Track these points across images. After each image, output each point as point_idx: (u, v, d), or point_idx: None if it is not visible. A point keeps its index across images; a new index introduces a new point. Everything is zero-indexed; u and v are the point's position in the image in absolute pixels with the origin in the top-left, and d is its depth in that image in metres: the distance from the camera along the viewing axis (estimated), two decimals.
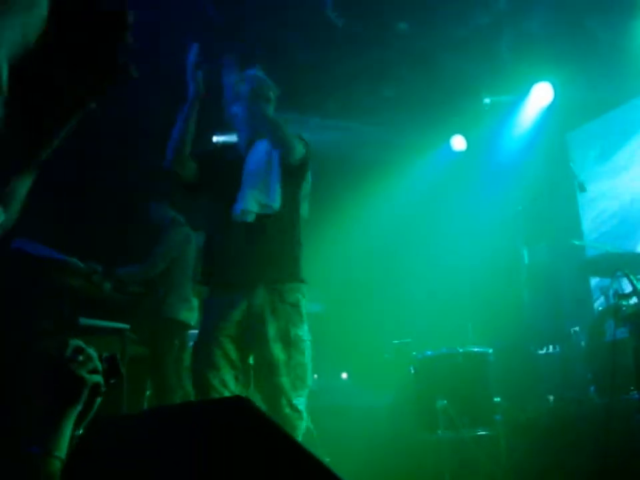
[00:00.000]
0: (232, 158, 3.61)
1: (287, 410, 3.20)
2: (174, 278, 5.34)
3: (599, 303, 5.87)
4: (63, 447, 1.48)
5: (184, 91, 3.46)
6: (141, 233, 5.93)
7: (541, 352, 6.44)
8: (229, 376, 3.27)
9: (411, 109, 7.39)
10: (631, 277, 4.60)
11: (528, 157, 7.34)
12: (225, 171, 3.56)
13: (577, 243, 6.15)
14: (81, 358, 1.59)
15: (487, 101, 7.49)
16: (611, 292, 5.13)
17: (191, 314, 5.35)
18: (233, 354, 3.32)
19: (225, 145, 3.88)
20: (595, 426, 4.45)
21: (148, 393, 5.36)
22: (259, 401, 3.28)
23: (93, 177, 6.56)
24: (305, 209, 3.64)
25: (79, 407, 1.56)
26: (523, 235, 6.01)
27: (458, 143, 8.05)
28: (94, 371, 1.61)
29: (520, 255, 5.89)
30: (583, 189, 5.56)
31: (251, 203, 3.36)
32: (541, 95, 7.20)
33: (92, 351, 1.63)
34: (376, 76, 6.96)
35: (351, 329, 7.00)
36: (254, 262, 3.35)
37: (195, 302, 5.44)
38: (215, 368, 3.25)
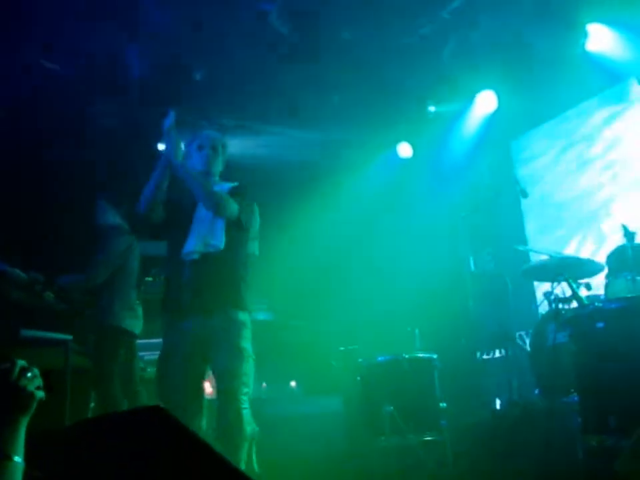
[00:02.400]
0: (186, 204, 4.06)
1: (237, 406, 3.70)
2: (117, 286, 5.26)
3: (542, 308, 5.97)
4: (20, 450, 1.75)
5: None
6: (84, 242, 5.83)
7: (486, 357, 6.53)
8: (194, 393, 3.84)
9: (357, 116, 7.42)
10: (570, 281, 4.69)
11: (472, 164, 7.45)
12: (180, 216, 4.01)
13: (520, 248, 6.23)
14: (29, 375, 1.89)
15: (431, 108, 7.58)
16: (552, 297, 5.23)
17: (136, 322, 5.27)
18: (195, 367, 3.84)
19: (181, 195, 4.11)
20: (539, 429, 4.52)
21: (92, 405, 5.26)
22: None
23: (34, 185, 6.44)
24: (254, 247, 4.23)
25: (29, 417, 1.85)
26: (467, 241, 6.08)
27: (404, 149, 8.13)
28: (38, 387, 1.91)
29: (465, 261, 5.96)
30: (525, 194, 5.65)
31: (198, 244, 3.87)
32: (484, 103, 7.32)
33: (35, 370, 1.93)
34: (322, 83, 6.98)
35: (298, 336, 6.99)
36: (204, 291, 3.81)
37: (140, 310, 5.37)
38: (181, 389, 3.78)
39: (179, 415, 3.33)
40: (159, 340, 6.39)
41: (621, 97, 6.63)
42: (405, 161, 8.16)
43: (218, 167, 4.16)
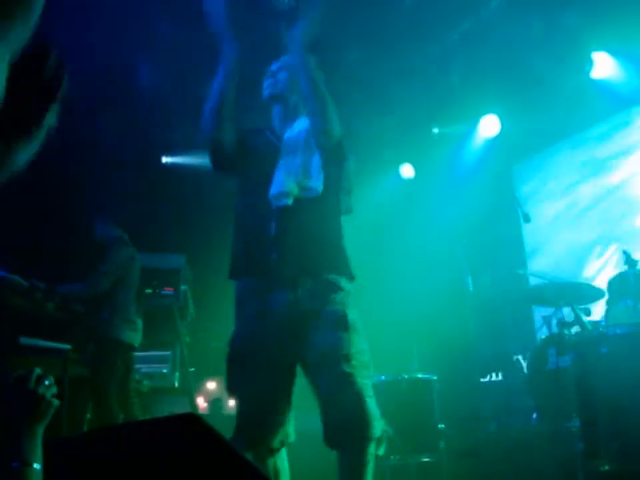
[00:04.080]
0: (264, 140, 3.22)
1: (355, 394, 2.74)
2: (118, 298, 5.24)
3: (541, 332, 5.97)
4: (39, 458, 1.73)
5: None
6: (85, 251, 5.82)
7: (483, 380, 6.52)
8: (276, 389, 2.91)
9: (360, 136, 7.44)
10: (574, 306, 4.70)
11: (474, 187, 7.47)
12: (258, 153, 3.16)
13: (520, 272, 6.24)
14: (47, 383, 1.86)
15: (435, 131, 7.61)
16: (554, 321, 5.23)
17: (135, 335, 5.25)
18: (286, 351, 2.89)
19: (251, 130, 3.28)
20: (537, 453, 4.51)
21: (89, 416, 5.22)
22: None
23: (37, 193, 6.43)
24: (346, 202, 3.21)
25: (45, 425, 1.83)
26: (468, 264, 6.09)
27: (406, 171, 8.16)
28: (53, 395, 1.87)
29: (465, 283, 5.96)
30: (527, 219, 5.67)
31: (290, 184, 2.96)
32: (488, 127, 7.36)
33: (51, 377, 1.90)
34: None
35: None
36: (301, 250, 2.92)
37: (139, 323, 5.35)
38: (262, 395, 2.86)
39: (262, 411, 2.82)
40: (157, 352, 6.45)
41: (625, 125, 6.69)
42: (407, 182, 8.19)
43: (297, 94, 3.16)
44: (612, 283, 5.22)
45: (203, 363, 7.41)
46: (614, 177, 6.74)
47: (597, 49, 6.46)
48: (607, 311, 5.09)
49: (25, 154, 1.04)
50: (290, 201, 2.95)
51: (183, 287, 6.72)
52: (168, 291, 6.56)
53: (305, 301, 2.87)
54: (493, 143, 7.45)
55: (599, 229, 6.83)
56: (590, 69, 6.54)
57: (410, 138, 7.68)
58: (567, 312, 5.09)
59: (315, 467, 4.55)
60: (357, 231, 7.69)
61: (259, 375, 2.84)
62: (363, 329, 2.90)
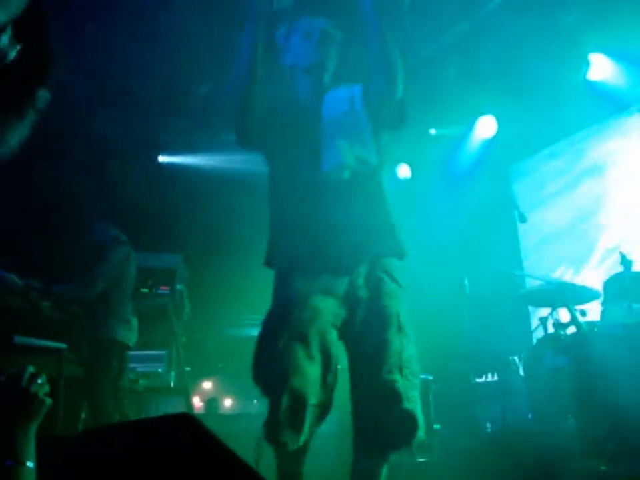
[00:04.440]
0: (300, 110, 2.83)
1: (406, 406, 2.41)
2: (113, 298, 5.22)
3: (537, 333, 5.98)
4: (32, 456, 1.72)
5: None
6: (81, 251, 5.81)
7: (479, 380, 6.51)
8: (316, 383, 2.46)
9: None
10: (570, 307, 4.71)
11: (471, 188, 7.48)
12: (294, 124, 2.77)
13: (516, 273, 6.26)
14: (39, 381, 1.84)
15: (432, 131, 7.62)
16: (550, 322, 5.24)
17: (130, 334, 5.24)
18: (324, 355, 2.48)
19: (282, 99, 2.88)
20: (533, 453, 4.51)
21: (84, 415, 5.21)
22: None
23: (33, 192, 6.42)
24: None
25: (37, 423, 1.82)
26: (464, 264, 6.09)
27: (403, 171, 8.16)
28: (46, 394, 1.87)
29: (461, 283, 5.97)
30: (523, 219, 5.67)
31: (347, 155, 2.61)
32: (485, 128, 7.36)
33: (44, 376, 1.89)
34: None
35: None
36: (351, 231, 2.56)
37: (135, 322, 5.34)
38: (300, 374, 2.40)
39: (298, 408, 2.35)
40: (152, 352, 6.43)
41: (621, 127, 6.70)
42: (404, 182, 8.18)
43: (333, 62, 2.86)
44: (608, 284, 5.23)
45: (199, 362, 7.41)
46: (610, 179, 6.75)
47: (594, 50, 6.46)
48: (603, 312, 5.10)
49: (16, 134, 1.05)
50: (347, 175, 2.59)
51: (178, 287, 6.70)
52: (164, 290, 6.54)
53: (358, 289, 2.54)
54: (490, 143, 7.46)
55: (594, 230, 6.84)
56: (587, 71, 6.55)
57: (407, 138, 7.67)
58: (562, 313, 5.10)
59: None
60: None
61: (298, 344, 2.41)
62: (411, 329, 2.60)
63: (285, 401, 2.34)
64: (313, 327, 2.44)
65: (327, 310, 2.49)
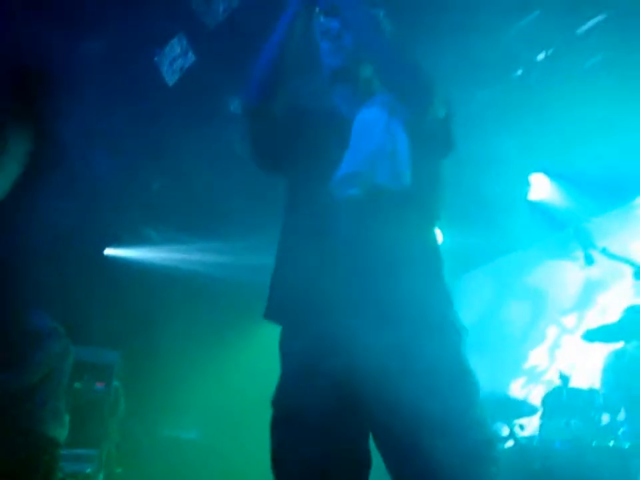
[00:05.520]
0: (328, 118, 2.31)
1: None
2: (46, 391, 5.06)
3: None
4: None
5: None
6: (16, 341, 5.65)
7: None
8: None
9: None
10: (508, 421, 4.72)
11: None
12: (320, 134, 2.25)
13: None
14: None
15: None
16: None
17: (62, 430, 5.05)
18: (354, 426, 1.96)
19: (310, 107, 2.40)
20: None
21: None
22: None
23: None
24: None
25: None
26: None
27: None
28: None
29: None
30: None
31: (363, 165, 2.05)
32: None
33: None
34: (248, 195, 6.90)
35: (229, 456, 6.78)
36: (364, 276, 1.94)
37: (66, 418, 5.17)
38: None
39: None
40: (83, 450, 6.19)
41: (562, 245, 6.93)
42: None
43: (366, 67, 2.26)
44: (546, 399, 5.28)
45: (132, 464, 7.14)
46: (550, 299, 6.93)
47: (534, 170, 6.76)
48: (541, 426, 5.12)
49: None
50: (360, 191, 2.01)
51: (115, 383, 6.55)
52: (99, 386, 6.38)
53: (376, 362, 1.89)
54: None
55: (532, 345, 6.95)
56: (527, 190, 6.82)
57: None
58: (500, 427, 5.11)
59: None
60: None
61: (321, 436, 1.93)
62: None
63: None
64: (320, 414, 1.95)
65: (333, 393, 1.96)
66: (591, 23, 5.16)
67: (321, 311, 1.96)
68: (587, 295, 6.65)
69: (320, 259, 1.99)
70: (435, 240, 2.13)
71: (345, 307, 1.93)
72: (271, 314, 2.20)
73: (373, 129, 2.13)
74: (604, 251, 4.56)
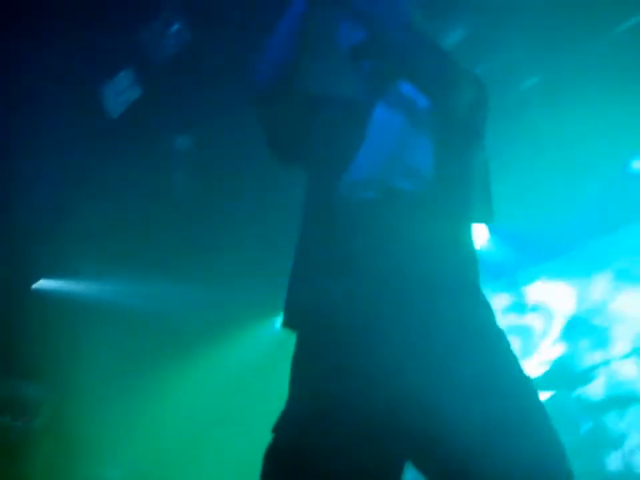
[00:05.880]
0: (346, 112, 2.11)
1: None
2: None
3: None
4: None
5: None
6: None
7: None
8: None
9: (238, 280, 7.23)
10: None
11: None
12: (338, 129, 2.06)
13: None
14: None
15: None
16: None
17: None
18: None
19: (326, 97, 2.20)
20: None
21: None
22: None
23: None
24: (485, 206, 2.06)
25: None
26: None
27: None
28: None
29: None
30: None
31: (377, 165, 1.86)
32: None
33: None
34: (206, 248, 6.86)
35: None
36: (380, 283, 1.71)
37: None
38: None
39: None
40: None
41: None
42: (282, 334, 8.10)
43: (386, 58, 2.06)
44: None
45: None
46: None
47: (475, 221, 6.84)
48: None
49: None
50: (374, 194, 1.82)
51: (38, 419, 6.34)
52: (23, 421, 6.18)
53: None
54: None
55: None
56: None
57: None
58: None
59: None
60: (228, 380, 7.48)
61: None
62: None
63: None
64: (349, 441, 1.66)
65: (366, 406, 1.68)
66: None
67: (352, 330, 1.71)
68: None
69: (332, 259, 1.79)
70: (469, 241, 1.92)
71: (379, 326, 1.68)
72: (289, 321, 1.91)
73: (389, 129, 1.95)
74: None
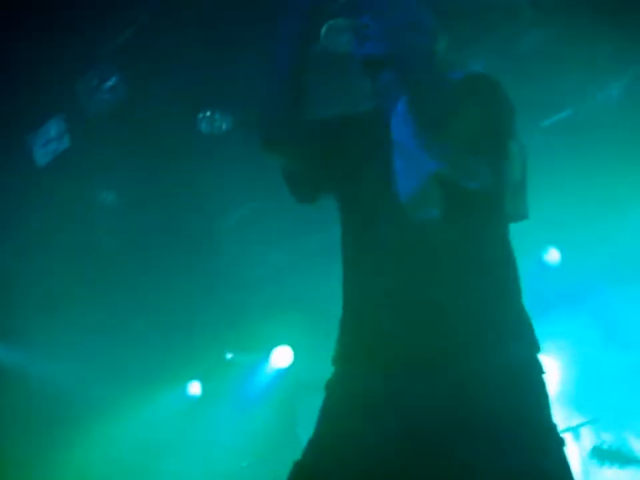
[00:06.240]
0: (363, 129, 1.99)
1: None
2: None
3: None
4: None
5: None
6: None
7: None
8: None
9: (152, 344, 7.09)
10: None
11: (261, 415, 7.42)
12: (359, 150, 1.93)
13: None
14: None
15: (229, 356, 7.64)
16: None
17: None
18: None
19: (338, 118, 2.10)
20: None
21: None
22: None
23: None
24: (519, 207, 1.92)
25: None
26: None
27: (194, 388, 7.93)
28: None
29: None
30: None
31: (429, 179, 1.71)
32: (281, 357, 7.48)
33: None
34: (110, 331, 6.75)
35: None
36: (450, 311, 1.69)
37: None
38: None
39: None
40: None
41: None
42: (194, 400, 7.95)
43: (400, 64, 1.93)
44: None
45: None
46: None
47: None
48: None
49: None
50: (438, 211, 1.68)
51: None
52: None
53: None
54: (284, 373, 7.55)
55: None
56: None
57: (201, 358, 7.54)
58: None
59: None
60: (138, 446, 7.22)
61: None
62: None
63: None
64: None
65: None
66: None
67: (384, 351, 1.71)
68: None
69: (387, 291, 1.72)
70: (513, 259, 1.84)
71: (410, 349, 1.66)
72: (341, 359, 1.90)
73: (409, 146, 1.79)
74: None
